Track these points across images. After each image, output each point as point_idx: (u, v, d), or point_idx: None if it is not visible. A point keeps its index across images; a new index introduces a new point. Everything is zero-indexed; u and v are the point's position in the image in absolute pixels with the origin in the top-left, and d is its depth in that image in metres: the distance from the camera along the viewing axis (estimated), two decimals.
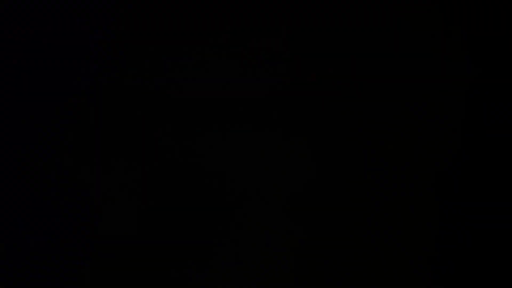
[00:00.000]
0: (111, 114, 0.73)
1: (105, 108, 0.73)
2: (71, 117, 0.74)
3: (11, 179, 0.79)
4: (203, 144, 0.71)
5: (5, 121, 0.78)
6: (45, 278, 0.73)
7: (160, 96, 0.72)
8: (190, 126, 0.71)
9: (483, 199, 0.71)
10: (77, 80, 0.73)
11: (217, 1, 0.71)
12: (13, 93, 0.75)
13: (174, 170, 0.71)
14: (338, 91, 0.70)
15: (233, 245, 0.70)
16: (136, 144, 0.72)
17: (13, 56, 0.73)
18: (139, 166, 0.71)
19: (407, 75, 0.72)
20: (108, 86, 0.73)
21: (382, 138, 0.70)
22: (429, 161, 0.70)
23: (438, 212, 0.70)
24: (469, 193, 0.70)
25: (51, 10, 0.73)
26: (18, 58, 0.73)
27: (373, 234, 0.69)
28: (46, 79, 0.74)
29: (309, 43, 0.71)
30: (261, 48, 0.71)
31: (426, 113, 0.71)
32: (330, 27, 0.71)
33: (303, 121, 0.70)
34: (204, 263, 0.70)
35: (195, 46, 0.72)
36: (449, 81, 0.71)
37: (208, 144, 0.71)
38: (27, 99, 0.76)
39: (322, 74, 0.70)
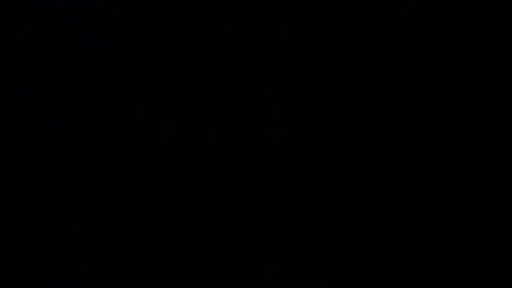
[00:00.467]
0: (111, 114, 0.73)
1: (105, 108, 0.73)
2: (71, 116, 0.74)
3: (11, 177, 0.79)
4: (204, 143, 0.71)
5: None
6: (46, 278, 0.73)
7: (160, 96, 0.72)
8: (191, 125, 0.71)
9: (480, 200, 0.71)
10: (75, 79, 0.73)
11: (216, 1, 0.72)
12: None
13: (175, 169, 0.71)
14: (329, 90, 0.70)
15: (235, 245, 0.70)
16: (136, 142, 0.72)
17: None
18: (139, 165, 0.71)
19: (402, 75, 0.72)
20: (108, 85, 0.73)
21: (375, 137, 0.70)
22: (419, 160, 0.70)
23: (429, 211, 0.70)
24: (463, 194, 0.71)
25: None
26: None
27: (368, 233, 0.70)
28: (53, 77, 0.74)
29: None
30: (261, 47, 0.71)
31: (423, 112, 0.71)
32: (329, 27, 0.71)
33: (296, 121, 0.70)
34: (205, 263, 0.70)
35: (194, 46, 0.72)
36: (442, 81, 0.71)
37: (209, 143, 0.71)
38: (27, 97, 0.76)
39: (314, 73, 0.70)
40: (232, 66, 0.70)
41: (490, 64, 0.71)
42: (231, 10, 0.70)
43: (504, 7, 0.71)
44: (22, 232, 0.78)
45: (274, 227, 0.69)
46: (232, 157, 0.70)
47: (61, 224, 0.75)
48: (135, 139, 0.72)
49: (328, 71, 0.69)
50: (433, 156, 0.70)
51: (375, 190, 0.69)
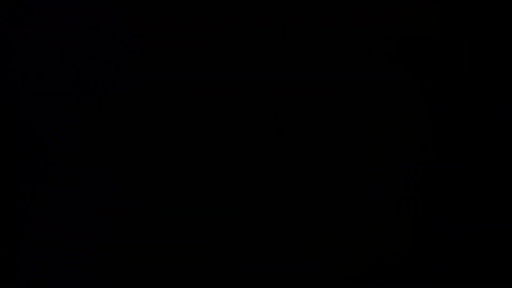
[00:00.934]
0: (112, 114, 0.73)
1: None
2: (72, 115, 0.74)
3: (11, 177, 0.79)
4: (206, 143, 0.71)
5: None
6: (46, 278, 0.73)
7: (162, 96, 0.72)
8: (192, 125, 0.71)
9: (480, 201, 0.71)
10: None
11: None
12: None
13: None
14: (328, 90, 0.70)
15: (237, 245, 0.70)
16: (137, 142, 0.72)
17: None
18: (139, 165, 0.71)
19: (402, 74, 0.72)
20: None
21: (376, 137, 0.70)
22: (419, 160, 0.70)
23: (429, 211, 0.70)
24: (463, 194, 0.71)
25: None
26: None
27: (369, 233, 0.70)
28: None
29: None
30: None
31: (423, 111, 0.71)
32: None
33: (296, 121, 0.70)
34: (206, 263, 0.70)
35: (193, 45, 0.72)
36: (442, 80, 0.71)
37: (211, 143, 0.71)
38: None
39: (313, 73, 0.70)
40: (232, 66, 0.70)
41: (490, 64, 0.71)
42: (231, 10, 0.70)
43: (504, 7, 0.71)
44: (22, 232, 0.78)
45: (273, 227, 0.69)
46: (232, 157, 0.70)
47: (61, 224, 0.75)
48: (135, 139, 0.72)
49: (327, 71, 0.69)
50: (433, 156, 0.70)
51: (375, 190, 0.69)
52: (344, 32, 0.69)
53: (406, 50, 0.70)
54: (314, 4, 0.70)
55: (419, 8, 0.70)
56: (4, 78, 0.78)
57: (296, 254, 0.69)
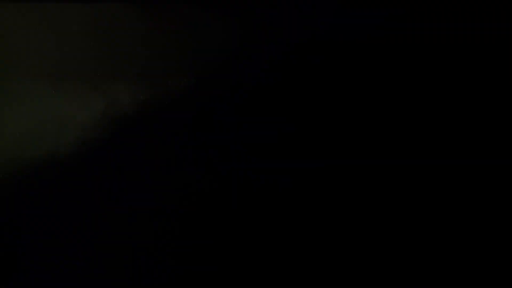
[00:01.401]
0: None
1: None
2: None
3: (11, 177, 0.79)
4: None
5: None
6: (46, 278, 0.73)
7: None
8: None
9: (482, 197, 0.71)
10: None
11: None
12: None
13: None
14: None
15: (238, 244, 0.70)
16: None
17: None
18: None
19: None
20: None
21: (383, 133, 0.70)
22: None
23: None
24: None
25: None
26: None
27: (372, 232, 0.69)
28: None
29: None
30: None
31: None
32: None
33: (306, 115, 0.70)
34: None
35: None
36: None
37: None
38: None
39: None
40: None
41: (490, 63, 0.71)
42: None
43: (504, 7, 0.71)
44: (22, 232, 0.78)
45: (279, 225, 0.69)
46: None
47: (61, 224, 0.74)
48: (135, 139, 0.72)
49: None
50: (433, 155, 0.70)
51: (376, 190, 0.69)
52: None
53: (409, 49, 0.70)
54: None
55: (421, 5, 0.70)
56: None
57: (295, 254, 0.69)
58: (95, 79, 0.75)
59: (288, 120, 0.69)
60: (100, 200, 0.72)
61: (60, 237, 0.74)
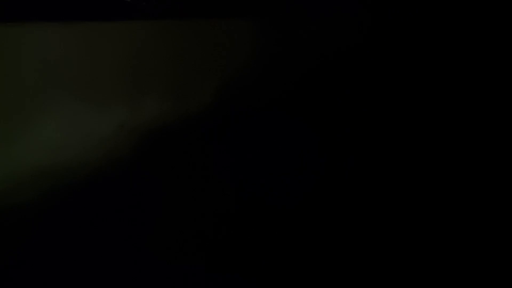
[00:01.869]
0: None
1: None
2: None
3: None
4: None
5: None
6: (46, 278, 0.73)
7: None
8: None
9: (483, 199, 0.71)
10: None
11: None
12: None
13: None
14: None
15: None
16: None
17: None
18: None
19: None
20: None
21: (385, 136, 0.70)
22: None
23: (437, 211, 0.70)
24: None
25: None
26: None
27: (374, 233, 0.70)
28: None
29: None
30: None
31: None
32: None
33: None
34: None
35: None
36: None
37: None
38: None
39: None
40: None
41: (490, 64, 0.71)
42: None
43: (504, 7, 0.71)
44: (22, 232, 0.78)
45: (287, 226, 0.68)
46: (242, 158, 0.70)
47: (61, 224, 0.74)
48: (135, 139, 0.72)
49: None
50: (431, 155, 0.70)
51: (376, 190, 0.68)
52: None
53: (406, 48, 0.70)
54: None
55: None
56: None
57: (294, 254, 0.69)
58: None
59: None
60: (129, 210, 0.72)
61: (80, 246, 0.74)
